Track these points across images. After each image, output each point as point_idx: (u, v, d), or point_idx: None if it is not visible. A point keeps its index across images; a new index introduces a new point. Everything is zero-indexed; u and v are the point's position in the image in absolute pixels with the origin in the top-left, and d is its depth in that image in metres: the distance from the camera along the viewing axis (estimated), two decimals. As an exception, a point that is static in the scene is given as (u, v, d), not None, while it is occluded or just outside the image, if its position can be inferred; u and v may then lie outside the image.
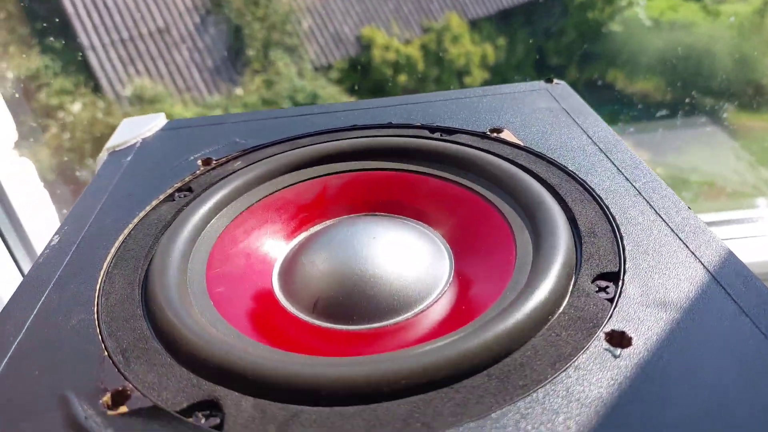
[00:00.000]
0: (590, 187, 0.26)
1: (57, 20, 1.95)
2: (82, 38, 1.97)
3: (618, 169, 0.28)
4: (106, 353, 0.19)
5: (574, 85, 2.23)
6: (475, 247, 0.27)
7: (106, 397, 0.17)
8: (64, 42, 1.96)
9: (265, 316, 0.24)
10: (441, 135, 0.32)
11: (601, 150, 0.30)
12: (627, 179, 0.27)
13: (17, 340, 0.20)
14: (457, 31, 2.24)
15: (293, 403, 0.16)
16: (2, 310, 0.21)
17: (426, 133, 0.32)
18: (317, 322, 0.23)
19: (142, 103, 1.95)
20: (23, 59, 1.94)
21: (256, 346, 0.19)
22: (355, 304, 0.23)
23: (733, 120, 2.27)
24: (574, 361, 0.17)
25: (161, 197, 0.28)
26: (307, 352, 0.20)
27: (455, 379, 0.17)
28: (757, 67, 2.29)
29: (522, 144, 0.31)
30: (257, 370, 0.17)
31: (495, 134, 0.32)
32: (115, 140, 0.31)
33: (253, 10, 2.10)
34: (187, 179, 0.29)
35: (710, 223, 0.71)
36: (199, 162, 0.31)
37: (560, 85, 0.38)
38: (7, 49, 1.96)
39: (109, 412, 0.17)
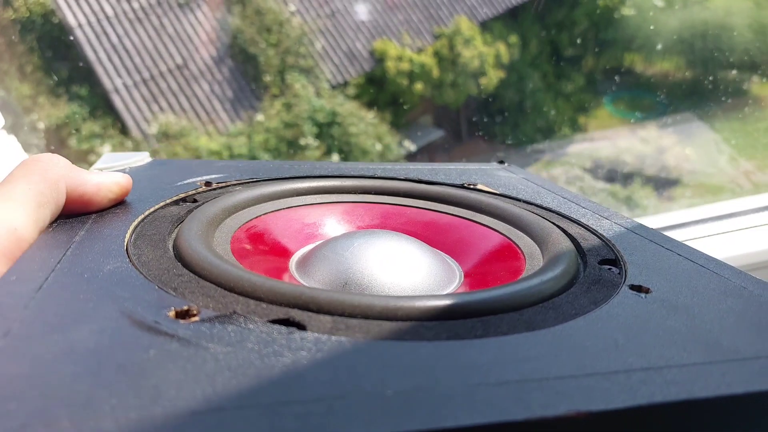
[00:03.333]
0: (565, 213, 0.31)
1: (81, 68, 2.02)
2: (106, 82, 2.03)
3: (581, 206, 0.32)
4: (156, 286, 0.18)
5: (592, 73, 2.20)
6: (479, 256, 0.29)
7: (171, 312, 0.17)
8: (89, 88, 2.03)
9: None
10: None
11: (564, 197, 0.34)
12: (595, 212, 0.31)
13: (47, 276, 0.19)
14: (468, 33, 2.24)
15: (373, 319, 0.18)
16: (18, 260, 0.20)
17: (409, 183, 0.34)
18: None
19: (169, 138, 2.00)
20: (53, 108, 2.01)
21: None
22: (380, 283, 0.25)
23: (760, 92, 2.22)
24: (610, 300, 0.20)
25: (167, 200, 0.28)
26: None
27: (517, 308, 0.20)
28: (779, 35, 2.24)
29: (498, 192, 0.33)
30: (334, 298, 0.18)
31: (471, 186, 0.34)
32: (99, 166, 0.31)
33: (266, 37, 2.14)
34: (190, 192, 0.30)
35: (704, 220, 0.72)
36: (200, 182, 0.31)
37: (512, 165, 0.43)
38: (36, 100, 2.03)
39: (181, 321, 0.16)
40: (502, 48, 2.19)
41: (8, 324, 0.15)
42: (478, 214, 0.32)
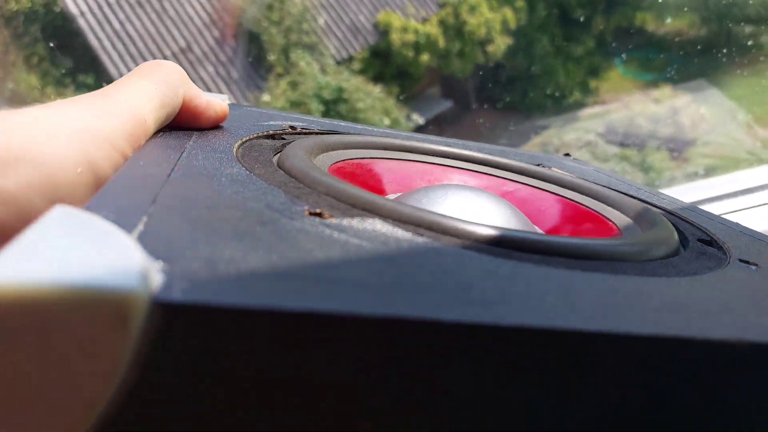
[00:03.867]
0: (646, 200, 0.30)
1: (86, 56, 2.02)
2: (111, 70, 2.03)
3: (660, 197, 0.32)
4: (282, 192, 0.18)
5: (602, 35, 2.14)
6: (568, 227, 0.30)
7: (305, 210, 0.17)
8: (95, 76, 2.03)
9: None
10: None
11: (638, 188, 0.34)
12: (674, 203, 0.31)
13: (173, 168, 0.19)
14: (474, 0, 2.19)
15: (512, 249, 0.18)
16: (140, 151, 0.21)
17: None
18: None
19: (177, 123, 2.00)
20: (60, 99, 2.01)
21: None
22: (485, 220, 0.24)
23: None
24: (723, 267, 0.20)
25: (260, 134, 0.28)
26: None
27: (636, 261, 0.20)
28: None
29: (571, 176, 0.32)
30: (458, 224, 0.18)
31: (547, 167, 0.33)
32: None
33: (268, 15, 2.11)
34: (279, 131, 0.29)
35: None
36: (284, 125, 0.31)
37: (578, 159, 0.42)
38: (44, 91, 2.04)
39: (318, 219, 0.16)
40: (508, 13, 2.14)
41: (152, 194, 0.15)
42: (560, 188, 0.31)
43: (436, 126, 2.18)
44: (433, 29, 2.13)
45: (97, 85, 2.04)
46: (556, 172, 0.33)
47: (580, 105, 2.24)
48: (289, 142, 0.27)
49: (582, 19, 2.26)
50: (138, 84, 0.24)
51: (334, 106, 1.99)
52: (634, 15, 2.27)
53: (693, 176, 2.06)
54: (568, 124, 2.21)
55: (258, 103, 2.03)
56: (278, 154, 0.25)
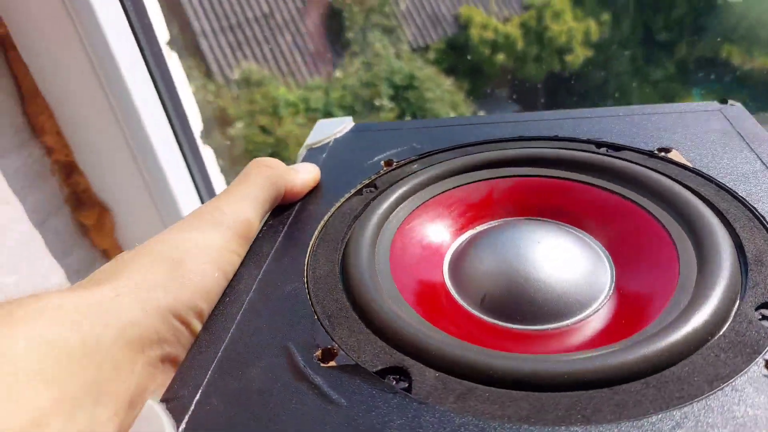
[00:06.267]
0: (761, 214, 0.26)
1: (171, 7, 2.07)
2: (194, 24, 2.08)
3: None
4: (316, 317, 0.24)
5: (684, 62, 2.07)
6: (637, 261, 0.27)
7: (318, 353, 0.22)
8: (179, 27, 2.08)
9: (437, 303, 0.27)
10: (607, 150, 0.33)
11: None
12: None
13: (247, 298, 0.26)
14: (559, 6, 2.15)
15: (469, 381, 0.20)
16: (235, 274, 0.29)
17: (592, 147, 0.33)
18: (483, 317, 0.26)
19: (249, 85, 2.04)
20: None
21: (437, 331, 0.24)
22: (518, 304, 0.26)
23: None
24: (731, 382, 0.17)
25: (352, 191, 0.34)
26: (475, 341, 0.22)
27: (614, 383, 0.18)
28: None
29: (691, 165, 0.30)
30: (441, 349, 0.21)
31: (663, 153, 0.32)
32: (312, 138, 0.42)
33: (353, -7, 2.13)
34: (372, 177, 0.36)
35: None
36: (382, 163, 0.37)
37: (735, 107, 0.36)
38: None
39: (322, 365, 0.22)
40: (592, 25, 2.10)
41: (216, 349, 0.23)
42: (655, 205, 0.28)
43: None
44: (513, 30, 2.11)
45: (181, 37, 2.08)
46: (666, 165, 0.30)
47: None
48: (376, 196, 0.33)
49: (666, 42, 2.21)
50: (244, 191, 0.31)
51: (403, 92, 2.00)
52: (721, 46, 2.20)
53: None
54: (635, 146, 2.16)
55: (330, 78, 2.05)
56: (350, 237, 0.30)
